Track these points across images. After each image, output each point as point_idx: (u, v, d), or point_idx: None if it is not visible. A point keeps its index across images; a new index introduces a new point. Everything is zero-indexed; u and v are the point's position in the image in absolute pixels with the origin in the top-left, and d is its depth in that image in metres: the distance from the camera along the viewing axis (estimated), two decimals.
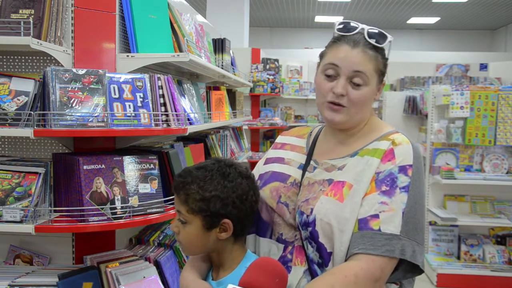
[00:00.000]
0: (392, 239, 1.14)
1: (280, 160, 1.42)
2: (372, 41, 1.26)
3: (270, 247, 1.32)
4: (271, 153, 1.49)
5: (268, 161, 1.46)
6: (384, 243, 1.14)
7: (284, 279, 1.08)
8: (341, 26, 1.30)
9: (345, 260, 1.17)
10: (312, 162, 1.35)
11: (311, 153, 1.38)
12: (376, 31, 1.28)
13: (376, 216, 1.16)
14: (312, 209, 1.21)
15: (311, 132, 1.47)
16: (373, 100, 1.33)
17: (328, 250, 1.19)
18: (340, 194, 1.20)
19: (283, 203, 1.31)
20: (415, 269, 1.20)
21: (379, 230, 1.14)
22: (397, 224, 1.15)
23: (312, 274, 1.22)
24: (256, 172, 1.45)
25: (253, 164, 4.23)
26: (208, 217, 1.21)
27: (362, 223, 1.16)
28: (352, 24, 1.30)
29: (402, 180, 1.19)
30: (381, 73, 1.29)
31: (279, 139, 1.52)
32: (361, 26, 1.29)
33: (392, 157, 1.21)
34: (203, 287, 1.22)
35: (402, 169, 1.20)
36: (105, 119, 1.78)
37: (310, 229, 1.20)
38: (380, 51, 1.27)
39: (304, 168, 1.35)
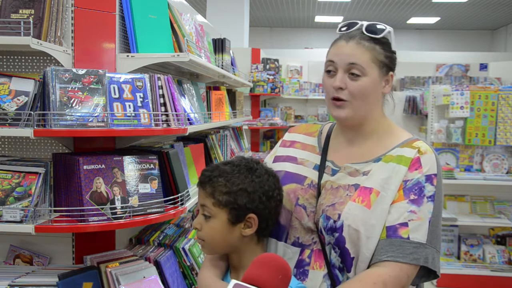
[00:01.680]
0: (419, 248, 1.16)
1: (292, 160, 1.39)
2: (369, 34, 1.26)
3: (284, 251, 1.30)
4: (280, 150, 1.45)
5: (277, 159, 1.43)
6: (412, 251, 1.15)
7: (287, 276, 1.08)
8: (341, 26, 1.32)
9: (369, 265, 1.18)
10: (328, 164, 1.33)
11: (325, 153, 1.36)
12: (375, 24, 1.28)
13: (405, 224, 1.17)
14: (339, 215, 1.20)
15: (321, 130, 1.44)
16: (382, 94, 1.30)
17: (352, 255, 1.19)
18: (367, 201, 1.19)
19: (301, 206, 1.29)
20: (430, 274, 1.22)
21: (408, 238, 1.16)
22: (424, 233, 1.17)
23: (333, 279, 1.22)
24: None
25: None
26: (235, 210, 1.20)
27: (391, 231, 1.17)
28: (353, 22, 1.31)
29: (429, 189, 1.20)
30: (383, 64, 1.26)
31: (287, 136, 1.49)
32: (361, 22, 1.29)
33: (419, 166, 1.22)
34: None
35: (429, 178, 1.21)
36: (105, 119, 1.78)
37: (337, 234, 1.20)
38: (378, 42, 1.26)
39: (320, 169, 1.32)
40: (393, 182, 1.20)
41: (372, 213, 1.18)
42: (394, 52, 1.30)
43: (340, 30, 1.31)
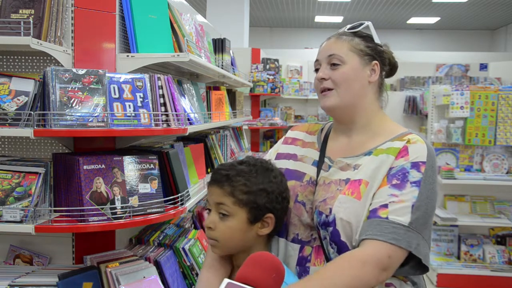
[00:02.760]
0: (400, 229, 1.14)
1: (293, 157, 1.42)
2: (348, 30, 1.36)
3: (286, 248, 1.32)
4: (282, 148, 1.48)
5: (279, 157, 1.46)
6: (391, 231, 1.14)
7: (281, 275, 1.07)
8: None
9: None
10: (326, 160, 1.35)
11: (324, 150, 1.38)
12: (356, 23, 1.37)
13: (385, 206, 1.17)
14: (330, 209, 1.21)
15: (322, 129, 1.48)
16: (369, 84, 1.33)
17: (350, 248, 1.19)
18: (357, 192, 1.21)
19: (300, 202, 1.31)
20: (425, 268, 1.21)
21: (387, 218, 1.15)
22: (405, 215, 1.16)
23: None
24: None
25: None
26: (254, 209, 1.22)
27: (371, 213, 1.17)
28: (340, 29, 1.41)
29: (414, 175, 1.20)
30: (364, 53, 1.32)
31: (290, 133, 1.53)
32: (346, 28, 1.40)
33: (406, 154, 1.23)
34: None
35: (415, 165, 1.21)
36: (105, 119, 1.78)
37: (330, 229, 1.21)
38: (357, 35, 1.34)
39: (319, 165, 1.35)
40: (380, 171, 1.22)
41: (362, 203, 1.19)
42: (379, 45, 1.35)
43: None
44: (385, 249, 1.12)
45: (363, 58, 1.32)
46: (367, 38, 1.34)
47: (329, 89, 1.31)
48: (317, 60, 1.36)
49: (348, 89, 1.30)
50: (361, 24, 1.36)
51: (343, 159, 1.30)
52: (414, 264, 1.20)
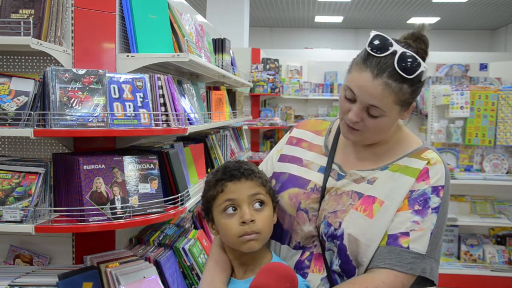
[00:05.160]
0: (418, 258, 1.15)
1: (297, 161, 1.37)
2: (400, 71, 1.12)
3: (286, 254, 1.31)
4: (286, 149, 1.42)
5: (283, 159, 1.40)
6: (410, 261, 1.14)
7: (294, 284, 1.07)
8: (373, 42, 1.16)
9: (365, 271, 1.17)
10: (335, 167, 1.30)
11: (333, 155, 1.33)
12: (410, 57, 1.13)
13: (406, 234, 1.16)
14: (340, 223, 1.19)
15: (330, 129, 1.40)
16: (399, 120, 1.25)
17: (354, 264, 1.19)
18: (370, 210, 1.18)
19: (302, 210, 1.28)
20: (427, 282, 1.21)
21: (408, 248, 1.15)
22: (424, 244, 1.16)
23: (332, 282, 1.22)
24: (270, 166, 1.42)
25: None
26: (275, 198, 1.30)
27: (392, 239, 1.16)
28: (386, 42, 1.15)
29: (434, 201, 1.18)
30: (406, 102, 1.17)
31: (295, 132, 1.44)
32: (395, 46, 1.14)
33: (427, 177, 1.20)
34: None
35: (435, 190, 1.19)
36: (105, 119, 1.78)
37: (338, 242, 1.19)
38: (408, 80, 1.13)
39: (326, 172, 1.30)
40: (399, 193, 1.19)
41: (373, 223, 1.17)
42: (422, 81, 1.16)
43: (371, 50, 1.15)
44: (400, 278, 1.14)
45: (403, 107, 1.18)
46: (415, 81, 1.14)
47: (356, 130, 1.21)
48: (352, 91, 1.16)
49: (377, 134, 1.22)
50: (417, 66, 1.13)
51: (357, 172, 1.26)
52: (419, 280, 1.20)
